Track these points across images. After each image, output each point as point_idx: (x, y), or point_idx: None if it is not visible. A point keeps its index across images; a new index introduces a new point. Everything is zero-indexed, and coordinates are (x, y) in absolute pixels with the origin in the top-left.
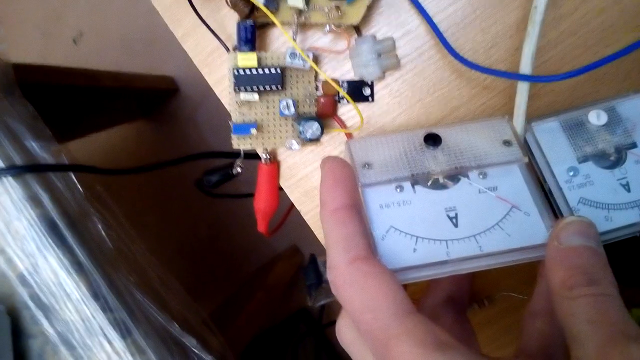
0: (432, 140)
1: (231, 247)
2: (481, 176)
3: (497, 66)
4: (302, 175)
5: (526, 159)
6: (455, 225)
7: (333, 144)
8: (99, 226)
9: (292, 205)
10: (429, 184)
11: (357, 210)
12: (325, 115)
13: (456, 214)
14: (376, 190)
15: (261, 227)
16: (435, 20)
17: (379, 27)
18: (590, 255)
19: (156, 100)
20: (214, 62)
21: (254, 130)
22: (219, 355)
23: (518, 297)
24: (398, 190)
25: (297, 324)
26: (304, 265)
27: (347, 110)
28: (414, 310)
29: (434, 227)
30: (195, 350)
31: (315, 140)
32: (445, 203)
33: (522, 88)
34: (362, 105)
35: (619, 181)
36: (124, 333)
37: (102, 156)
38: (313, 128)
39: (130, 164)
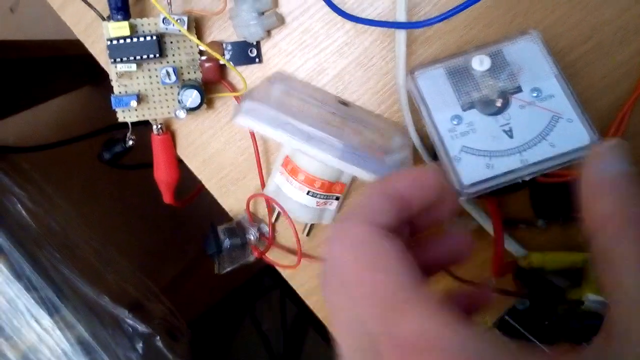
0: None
1: (192, 210)
2: None
3: (384, 16)
4: (200, 143)
5: None
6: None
7: (227, 108)
8: (19, 206)
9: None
10: None
11: (402, 206)
12: (212, 81)
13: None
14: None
15: (166, 198)
16: None
17: None
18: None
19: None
20: (95, 31)
21: (134, 103)
22: (160, 322)
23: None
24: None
25: (261, 279)
26: (205, 234)
27: (241, 71)
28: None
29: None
30: (128, 320)
31: (196, 108)
32: None
33: (400, 37)
34: (252, 67)
35: (502, 127)
36: (51, 310)
37: (51, 127)
38: (192, 96)
39: (80, 133)
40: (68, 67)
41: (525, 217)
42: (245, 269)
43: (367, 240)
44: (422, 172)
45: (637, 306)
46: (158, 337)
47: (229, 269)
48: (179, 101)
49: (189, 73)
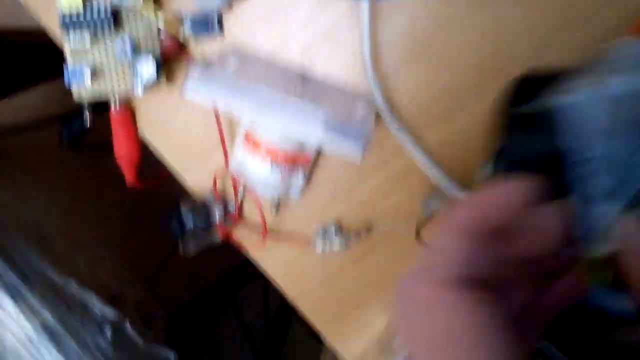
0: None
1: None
2: None
3: None
4: (161, 119)
5: None
6: None
7: None
8: None
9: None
10: None
11: (481, 242)
12: (172, 54)
13: None
14: None
15: (129, 177)
16: None
17: None
18: None
19: None
20: (51, 7)
21: (88, 73)
22: (134, 308)
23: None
24: None
25: (246, 266)
26: (168, 215)
27: (202, 43)
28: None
29: None
30: (97, 305)
31: (154, 81)
32: None
33: (364, 6)
34: (213, 39)
35: None
36: (16, 297)
37: (32, 115)
38: (147, 65)
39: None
40: (40, 55)
41: None
42: (232, 255)
43: (439, 308)
44: (504, 191)
45: None
46: (127, 323)
47: (195, 250)
48: (134, 70)
49: (146, 47)
